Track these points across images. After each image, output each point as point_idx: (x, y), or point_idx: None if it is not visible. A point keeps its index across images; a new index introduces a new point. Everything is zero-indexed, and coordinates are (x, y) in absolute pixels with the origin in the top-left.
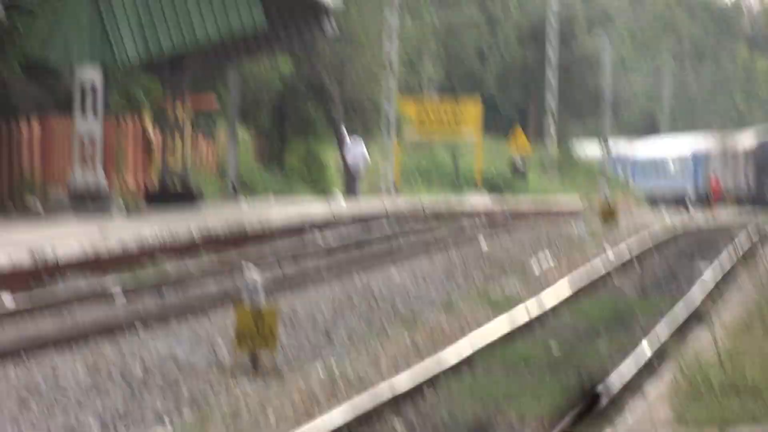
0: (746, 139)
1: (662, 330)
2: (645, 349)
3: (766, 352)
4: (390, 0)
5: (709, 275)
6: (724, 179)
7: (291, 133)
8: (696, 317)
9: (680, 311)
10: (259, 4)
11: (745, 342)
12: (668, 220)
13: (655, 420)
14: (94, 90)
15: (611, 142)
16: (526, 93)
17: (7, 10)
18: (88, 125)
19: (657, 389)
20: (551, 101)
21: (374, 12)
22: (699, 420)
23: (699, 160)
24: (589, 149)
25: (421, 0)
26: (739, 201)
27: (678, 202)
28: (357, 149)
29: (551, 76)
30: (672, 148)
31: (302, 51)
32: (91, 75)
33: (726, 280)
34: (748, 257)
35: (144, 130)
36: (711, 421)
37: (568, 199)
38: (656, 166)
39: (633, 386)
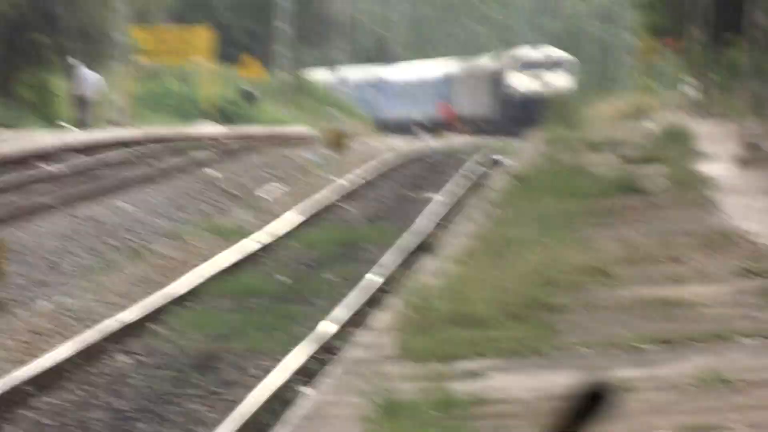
0: (487, 66)
1: (389, 260)
2: (371, 280)
3: (489, 281)
4: None
5: (437, 204)
6: (463, 105)
7: (21, 63)
8: (423, 247)
9: (407, 240)
10: None
11: (469, 271)
12: (402, 146)
13: (380, 354)
14: None
15: (344, 69)
16: (258, 18)
17: None
18: None
19: (382, 322)
20: (284, 27)
21: None
22: (423, 352)
23: (436, 86)
24: (322, 76)
25: None
26: (478, 127)
27: (412, 128)
28: (87, 78)
29: (283, 1)
30: (410, 73)
31: None
32: None
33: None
34: (477, 184)
35: None
36: (435, 354)
37: (301, 128)
38: (394, 92)
39: (358, 319)
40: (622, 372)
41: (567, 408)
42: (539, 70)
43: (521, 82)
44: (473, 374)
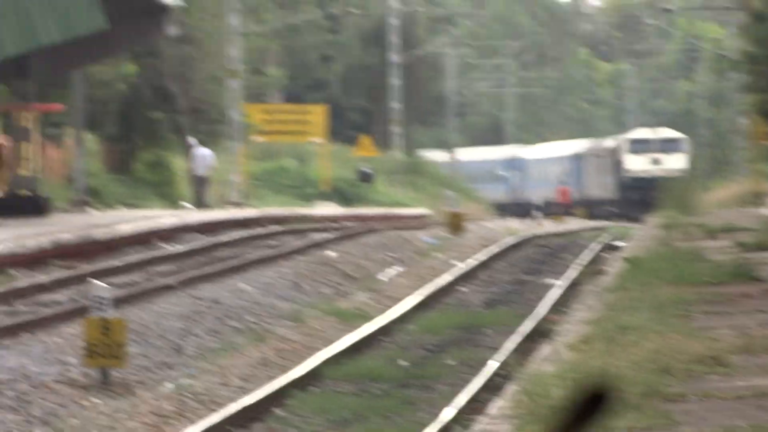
0: (602, 147)
1: (507, 345)
2: (490, 365)
3: (605, 367)
4: (231, 1)
5: (554, 289)
6: (581, 188)
7: (138, 140)
8: (540, 332)
9: (525, 326)
10: (99, 6)
11: (585, 358)
12: (520, 229)
13: None
14: None
15: (459, 149)
16: (372, 97)
17: None
18: None
19: (500, 409)
20: (396, 106)
21: (216, 14)
22: None
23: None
24: (437, 157)
25: (262, 0)
26: (597, 210)
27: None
28: (203, 156)
29: (395, 80)
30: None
31: (145, 54)
32: None
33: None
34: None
35: None
36: None
37: (418, 209)
38: (510, 174)
39: (477, 406)
40: None
41: (568, 408)
42: (656, 152)
43: (637, 164)
44: None
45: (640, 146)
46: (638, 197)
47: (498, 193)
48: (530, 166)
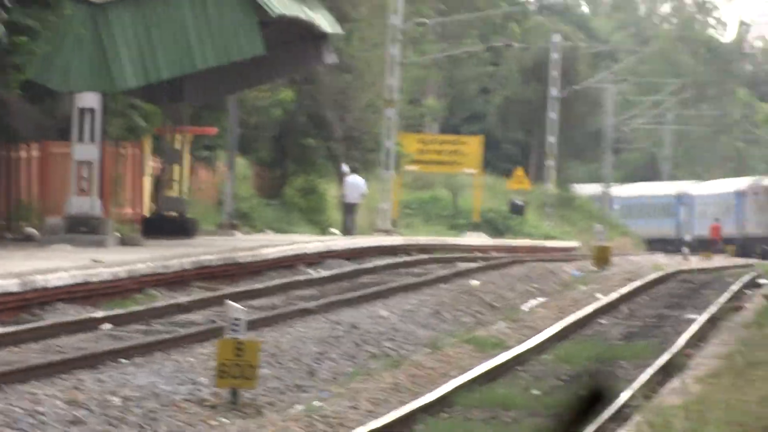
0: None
1: (641, 378)
2: (622, 397)
3: (731, 402)
4: (392, 32)
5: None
6: (732, 226)
7: (291, 166)
8: (675, 366)
9: (660, 359)
10: (258, 32)
11: (712, 390)
12: (663, 263)
13: None
14: (92, 116)
15: (612, 183)
16: (528, 130)
17: (8, 30)
18: (86, 151)
19: None
20: (552, 140)
21: (377, 44)
22: None
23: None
24: (589, 190)
25: (424, 32)
26: (748, 249)
27: (679, 246)
28: (354, 184)
29: (553, 114)
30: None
31: (302, 81)
32: (90, 100)
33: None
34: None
35: (143, 159)
36: None
37: (566, 242)
38: (647, 209)
39: None
40: None
41: (568, 407)
42: None
43: None
44: None
45: None
46: None
47: (666, 228)
48: (697, 202)
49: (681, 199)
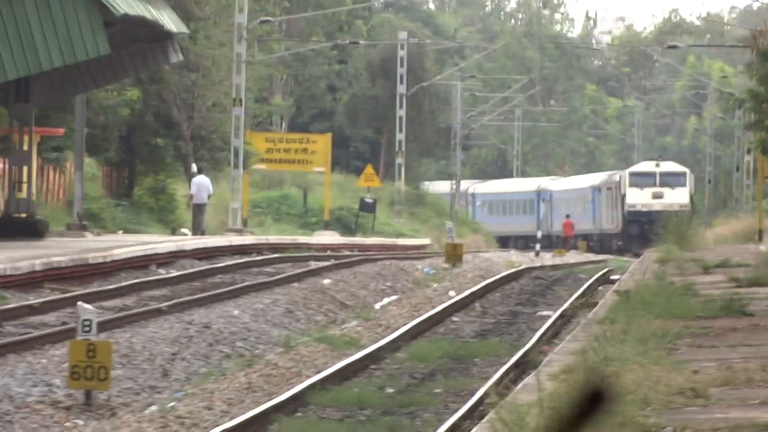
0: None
1: (495, 375)
2: (476, 394)
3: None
4: (238, 30)
5: (546, 323)
6: (583, 221)
7: (140, 166)
8: (528, 363)
9: (514, 356)
10: (103, 32)
11: (564, 388)
12: (515, 260)
13: None
14: None
15: (462, 180)
16: (377, 128)
17: None
18: None
19: None
20: (401, 137)
21: (222, 43)
22: None
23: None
24: (439, 187)
25: (270, 30)
26: (597, 244)
27: (531, 243)
28: (200, 184)
29: (401, 112)
30: (526, 186)
31: (149, 80)
32: None
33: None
34: (588, 302)
35: None
36: None
37: (418, 240)
38: (510, 205)
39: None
40: None
41: (568, 407)
42: (658, 185)
43: (639, 198)
44: None
45: (641, 179)
46: (638, 231)
47: (525, 225)
48: (556, 198)
49: (541, 195)
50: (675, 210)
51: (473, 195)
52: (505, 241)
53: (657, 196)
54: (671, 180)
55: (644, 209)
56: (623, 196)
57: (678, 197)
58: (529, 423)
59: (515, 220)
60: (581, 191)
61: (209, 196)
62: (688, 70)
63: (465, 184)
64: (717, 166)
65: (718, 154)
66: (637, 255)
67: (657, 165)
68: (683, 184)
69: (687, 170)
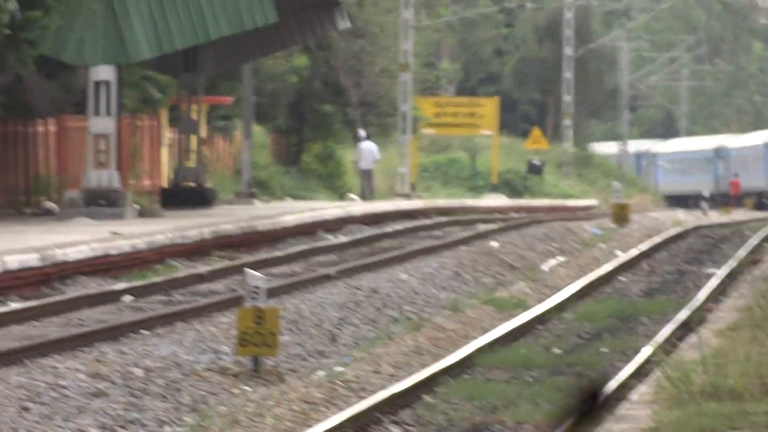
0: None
1: (663, 333)
2: (643, 353)
3: (750, 355)
4: None
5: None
6: (753, 179)
7: (308, 132)
8: (695, 320)
9: (681, 314)
10: (271, 0)
11: (731, 344)
12: (682, 219)
13: (636, 427)
14: (108, 88)
15: (629, 141)
16: (544, 90)
17: (21, 5)
18: (103, 124)
19: (644, 395)
20: (568, 99)
21: (390, 9)
22: (677, 426)
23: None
24: (608, 149)
25: None
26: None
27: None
28: (368, 150)
29: (568, 74)
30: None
31: (317, 47)
32: (105, 73)
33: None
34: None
35: (160, 130)
36: (689, 427)
37: (585, 201)
38: (682, 165)
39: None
40: None
41: (569, 408)
42: None
43: None
44: None
45: None
46: None
47: (704, 184)
48: (734, 156)
49: (719, 153)
50: None
51: (655, 155)
52: (683, 201)
53: None
54: None
55: None
56: None
57: None
58: (695, 380)
59: (690, 180)
60: (754, 149)
61: (375, 162)
62: None
63: (640, 145)
64: None
65: None
66: None
67: None
68: None
69: None
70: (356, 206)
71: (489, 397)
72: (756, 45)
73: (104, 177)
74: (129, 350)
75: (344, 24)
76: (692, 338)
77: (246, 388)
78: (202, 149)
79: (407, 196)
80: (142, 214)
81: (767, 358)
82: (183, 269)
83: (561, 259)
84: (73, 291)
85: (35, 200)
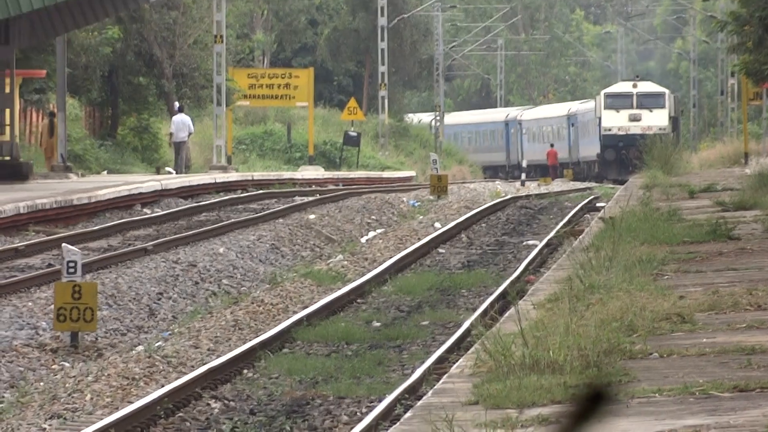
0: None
1: (482, 306)
2: (462, 326)
3: (569, 327)
4: None
5: (532, 252)
6: (567, 149)
7: (123, 105)
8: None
9: (501, 286)
10: None
11: (551, 315)
12: (501, 190)
13: (457, 400)
14: None
15: (447, 113)
16: (359, 61)
17: None
18: None
19: (466, 368)
20: (383, 70)
21: None
22: (498, 398)
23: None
24: (425, 120)
25: None
26: (583, 172)
27: (516, 172)
28: (181, 122)
29: (382, 44)
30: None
31: (129, 19)
32: None
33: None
34: (574, 230)
35: None
36: (509, 400)
37: (403, 173)
38: (478, 136)
39: (444, 366)
40: (694, 420)
41: (572, 409)
42: (635, 107)
43: (615, 121)
44: (546, 420)
45: (617, 101)
46: (614, 157)
47: (496, 155)
48: (526, 128)
49: (510, 124)
50: (653, 133)
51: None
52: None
53: (634, 118)
54: (649, 101)
55: (621, 132)
56: (599, 119)
57: (657, 119)
58: (514, 352)
59: (485, 151)
60: (552, 120)
61: (190, 135)
62: None
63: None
64: (700, 91)
65: (700, 78)
66: (617, 182)
67: (634, 86)
68: (662, 106)
69: (666, 91)
70: (173, 179)
71: (309, 371)
72: (577, 13)
73: None
74: None
75: None
76: (512, 311)
77: (65, 363)
78: (16, 123)
79: (224, 169)
80: None
81: (586, 330)
82: None
83: (380, 231)
84: None
85: None
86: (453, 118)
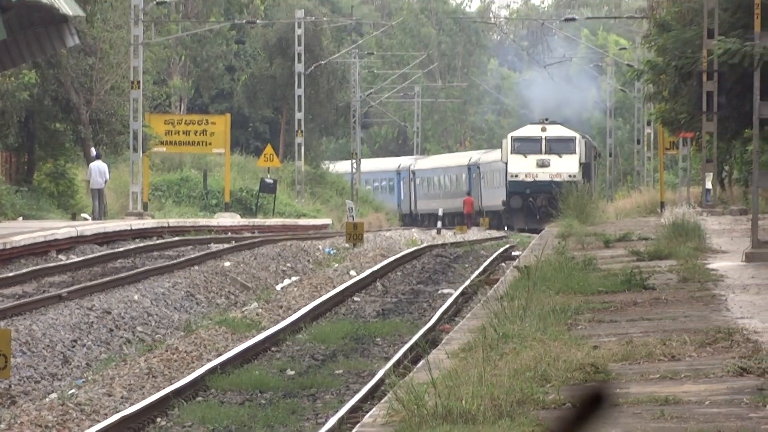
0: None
1: (397, 355)
2: (377, 375)
3: (482, 376)
4: (135, 12)
5: (447, 301)
6: (482, 197)
7: (39, 151)
8: (429, 342)
9: (415, 335)
10: None
11: (465, 365)
12: (417, 238)
13: None
14: None
15: (364, 160)
16: (276, 108)
17: None
18: None
19: (379, 418)
20: (300, 116)
21: (119, 25)
22: None
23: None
24: (341, 168)
25: (167, 12)
26: (498, 220)
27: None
28: (97, 169)
29: (299, 91)
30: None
31: (46, 64)
32: None
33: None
34: (489, 279)
35: None
36: None
37: (319, 220)
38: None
39: (357, 417)
40: None
41: (570, 412)
42: (543, 153)
43: (522, 167)
44: None
45: (525, 146)
46: (520, 205)
47: (392, 203)
48: (419, 177)
49: (401, 173)
50: (561, 180)
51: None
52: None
53: (542, 164)
54: (559, 146)
55: (528, 179)
56: (506, 164)
57: (566, 166)
58: (427, 402)
59: (386, 198)
60: (451, 170)
61: (106, 182)
62: (584, 42)
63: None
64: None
65: (617, 125)
66: (522, 231)
67: (543, 129)
68: (572, 151)
69: (577, 135)
70: (88, 226)
71: (223, 420)
72: (492, 62)
73: None
74: None
75: (73, 41)
76: (425, 360)
77: None
78: None
79: (140, 216)
80: None
81: (500, 379)
82: None
83: (295, 278)
84: None
85: None
86: (365, 165)
